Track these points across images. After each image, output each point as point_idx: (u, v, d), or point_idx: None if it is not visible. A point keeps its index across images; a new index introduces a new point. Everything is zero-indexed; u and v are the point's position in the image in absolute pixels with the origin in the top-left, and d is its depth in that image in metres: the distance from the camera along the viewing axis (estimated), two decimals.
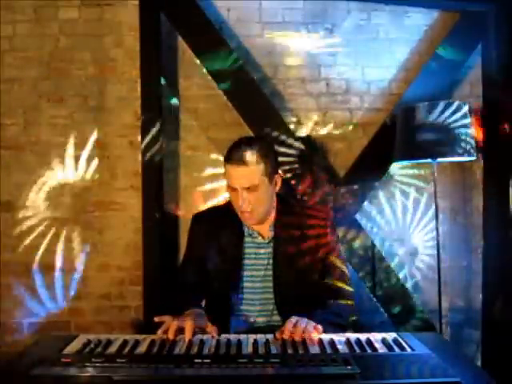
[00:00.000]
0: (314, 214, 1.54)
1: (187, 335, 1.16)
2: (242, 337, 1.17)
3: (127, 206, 2.31)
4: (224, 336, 1.19)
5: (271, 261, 1.48)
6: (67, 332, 2.27)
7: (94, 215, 2.31)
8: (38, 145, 2.30)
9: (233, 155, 1.39)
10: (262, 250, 1.50)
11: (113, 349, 1.09)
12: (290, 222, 1.51)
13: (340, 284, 1.49)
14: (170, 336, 1.15)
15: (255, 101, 2.22)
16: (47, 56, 2.30)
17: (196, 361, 0.98)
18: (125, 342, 1.13)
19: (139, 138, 2.23)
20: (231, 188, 1.42)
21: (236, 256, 1.48)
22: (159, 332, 1.18)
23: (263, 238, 1.50)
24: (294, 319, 1.19)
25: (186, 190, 2.35)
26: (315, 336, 1.15)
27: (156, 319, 1.23)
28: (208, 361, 0.98)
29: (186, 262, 1.59)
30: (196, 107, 2.34)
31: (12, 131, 2.30)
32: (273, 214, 1.51)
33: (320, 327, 1.18)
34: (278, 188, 1.50)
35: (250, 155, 1.39)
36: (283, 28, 2.35)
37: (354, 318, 1.46)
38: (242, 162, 1.37)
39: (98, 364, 0.97)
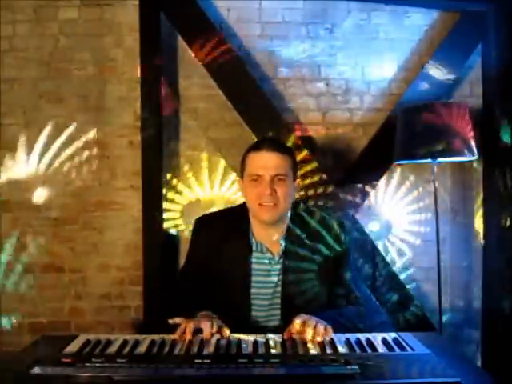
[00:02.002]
0: (326, 226, 1.44)
1: (206, 334, 1.14)
2: (242, 337, 1.17)
3: (127, 205, 2.31)
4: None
5: (281, 277, 1.39)
6: (67, 332, 2.27)
7: (94, 215, 2.31)
8: (38, 145, 2.30)
9: (261, 144, 1.36)
10: (273, 267, 1.40)
11: (113, 349, 1.09)
12: (301, 235, 1.42)
13: (350, 297, 1.43)
14: (188, 336, 1.13)
15: (255, 101, 2.22)
16: (47, 56, 2.30)
17: (196, 361, 0.98)
18: (125, 342, 1.13)
19: (139, 137, 2.23)
20: (254, 178, 1.34)
21: (243, 273, 1.38)
22: (176, 334, 1.16)
23: (272, 253, 1.41)
24: (301, 318, 1.16)
25: (185, 189, 2.35)
26: (326, 336, 1.12)
27: (170, 321, 1.20)
28: (208, 361, 0.98)
29: (187, 268, 1.50)
30: (196, 107, 2.34)
31: (12, 131, 2.30)
32: (284, 226, 1.41)
33: (330, 328, 1.15)
34: (296, 193, 1.44)
35: (281, 144, 1.39)
36: (283, 28, 2.35)
37: (360, 323, 1.39)
38: (272, 148, 1.33)
39: (97, 364, 0.97)
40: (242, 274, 1.39)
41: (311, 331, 1.11)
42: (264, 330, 1.36)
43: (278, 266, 1.40)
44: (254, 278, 1.39)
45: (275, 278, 1.40)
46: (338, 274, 1.43)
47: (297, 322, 1.15)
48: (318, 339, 1.11)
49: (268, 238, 1.41)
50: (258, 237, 1.41)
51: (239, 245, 1.40)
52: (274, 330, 1.29)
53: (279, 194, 1.33)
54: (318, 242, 1.42)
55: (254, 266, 1.40)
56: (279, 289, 1.39)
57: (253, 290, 1.40)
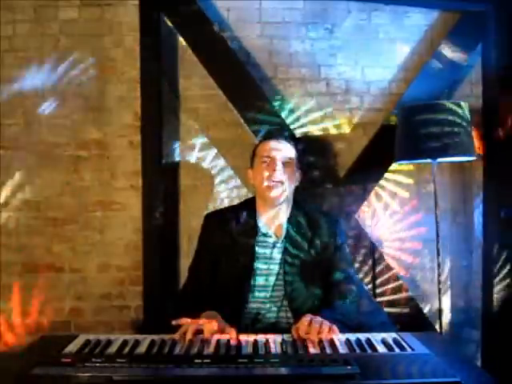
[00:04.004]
0: (323, 219, 1.60)
1: (206, 335, 1.17)
2: (242, 337, 1.17)
3: (127, 206, 2.31)
4: (224, 336, 1.19)
5: (283, 259, 1.52)
6: (67, 332, 2.27)
7: (94, 215, 2.31)
8: (38, 145, 2.30)
9: (273, 135, 1.69)
10: (276, 249, 1.54)
11: (113, 349, 1.10)
12: (302, 222, 1.57)
13: (345, 285, 1.52)
14: (189, 336, 1.15)
15: (255, 101, 2.22)
16: (47, 56, 2.30)
17: (196, 361, 0.98)
18: (125, 342, 1.13)
19: (139, 137, 2.23)
20: (265, 159, 1.53)
21: (249, 256, 1.51)
22: (177, 334, 1.18)
23: (277, 236, 1.55)
24: (308, 317, 1.20)
25: (185, 189, 2.35)
26: (330, 336, 1.16)
27: (173, 322, 1.23)
28: (208, 361, 0.98)
29: (199, 262, 1.60)
30: (196, 107, 2.34)
31: (12, 131, 2.30)
32: (288, 214, 1.58)
33: (335, 327, 1.19)
34: (298, 182, 1.62)
35: (288, 137, 1.70)
36: (283, 28, 2.35)
37: (357, 317, 1.50)
38: (282, 138, 1.60)
39: (97, 364, 0.97)
40: (247, 257, 1.51)
41: (316, 331, 1.15)
42: (267, 310, 1.50)
43: (281, 249, 1.53)
44: (259, 260, 1.52)
45: (278, 260, 1.52)
46: (333, 264, 1.54)
47: (304, 322, 1.19)
48: (323, 337, 1.15)
49: (273, 222, 1.56)
50: (263, 221, 1.56)
51: (247, 231, 1.54)
52: (277, 312, 1.49)
53: (285, 175, 1.52)
54: (316, 231, 1.56)
55: (259, 250, 1.53)
56: (281, 271, 1.51)
57: (258, 272, 1.51)
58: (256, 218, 1.57)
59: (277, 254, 1.53)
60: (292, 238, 1.54)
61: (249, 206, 1.60)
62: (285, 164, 1.52)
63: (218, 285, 1.52)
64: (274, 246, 1.54)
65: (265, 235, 1.55)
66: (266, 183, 1.51)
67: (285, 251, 1.52)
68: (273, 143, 1.56)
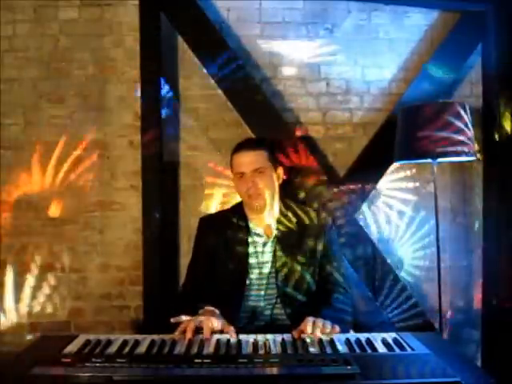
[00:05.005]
0: (312, 215, 1.64)
1: (205, 334, 1.18)
2: (242, 337, 1.17)
3: (127, 206, 2.31)
4: (224, 336, 1.19)
5: (275, 258, 1.56)
6: (67, 332, 2.27)
7: (94, 215, 2.31)
8: (38, 145, 2.30)
9: (239, 146, 1.60)
10: (268, 249, 1.59)
11: (113, 349, 1.10)
12: (291, 221, 1.61)
13: (336, 281, 1.57)
14: (189, 335, 1.16)
15: (255, 101, 2.22)
16: (47, 56, 2.30)
17: (196, 361, 0.98)
18: (125, 342, 1.13)
19: (139, 137, 2.23)
20: (239, 175, 1.56)
21: (243, 256, 1.57)
22: (177, 332, 1.19)
23: (268, 236, 1.60)
24: (311, 319, 1.23)
25: (185, 189, 2.35)
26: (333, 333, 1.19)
27: (172, 320, 1.24)
28: (208, 361, 0.98)
29: (196, 263, 1.65)
30: (196, 107, 2.34)
31: (12, 131, 2.30)
32: (276, 213, 1.62)
33: (337, 327, 1.22)
34: (281, 179, 1.65)
35: (254, 143, 1.63)
36: (283, 28, 2.35)
37: (352, 311, 1.55)
38: (248, 148, 1.57)
39: (97, 364, 0.97)
40: (241, 257, 1.56)
41: (320, 329, 1.19)
42: (262, 308, 1.54)
43: (272, 248, 1.58)
44: (252, 260, 1.57)
45: (270, 259, 1.57)
46: (324, 261, 1.59)
47: (308, 322, 1.21)
48: (325, 337, 1.17)
49: (262, 223, 1.61)
50: (254, 222, 1.62)
51: (239, 232, 1.60)
52: (272, 309, 1.53)
53: (261, 184, 1.54)
54: (305, 228, 1.60)
55: (252, 250, 1.58)
56: (273, 269, 1.56)
57: (251, 271, 1.56)
58: (246, 220, 1.62)
59: (268, 253, 1.58)
60: (282, 237, 1.59)
61: (238, 209, 1.66)
62: (258, 173, 1.54)
63: (216, 284, 1.56)
64: (265, 245, 1.59)
65: (256, 235, 1.60)
66: (246, 197, 1.57)
67: (276, 250, 1.57)
68: (241, 157, 1.56)
